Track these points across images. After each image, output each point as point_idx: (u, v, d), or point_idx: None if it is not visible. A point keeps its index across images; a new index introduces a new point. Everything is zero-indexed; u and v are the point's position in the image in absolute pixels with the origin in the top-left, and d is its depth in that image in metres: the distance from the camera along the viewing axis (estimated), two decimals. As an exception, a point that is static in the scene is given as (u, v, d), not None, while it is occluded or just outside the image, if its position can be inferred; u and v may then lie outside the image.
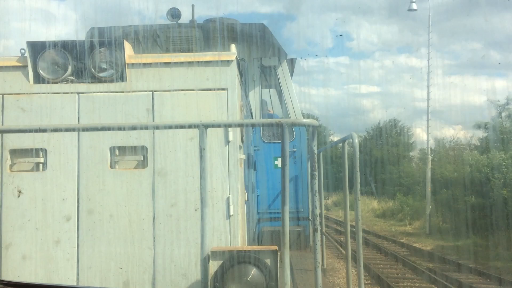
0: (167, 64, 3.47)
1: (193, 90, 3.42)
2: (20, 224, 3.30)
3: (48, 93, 3.42)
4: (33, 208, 3.31)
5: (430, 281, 11.03)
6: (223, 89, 3.44)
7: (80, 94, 3.42)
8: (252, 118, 5.87)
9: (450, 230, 17.63)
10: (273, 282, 2.84)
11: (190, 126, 2.97)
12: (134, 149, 3.38)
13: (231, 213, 3.34)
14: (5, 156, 3.37)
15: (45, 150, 3.36)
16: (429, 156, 21.50)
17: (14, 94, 3.43)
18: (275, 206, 6.52)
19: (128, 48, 3.54)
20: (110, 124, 3.10)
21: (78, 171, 3.35)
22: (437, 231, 18.47)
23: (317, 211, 3.10)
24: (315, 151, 3.06)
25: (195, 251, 3.18)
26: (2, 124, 3.40)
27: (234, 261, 2.86)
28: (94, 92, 3.43)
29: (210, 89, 3.44)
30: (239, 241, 3.39)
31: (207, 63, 3.46)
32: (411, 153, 41.00)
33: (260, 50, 7.13)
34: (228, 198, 3.33)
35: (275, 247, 2.92)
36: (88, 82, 3.45)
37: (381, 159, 36.89)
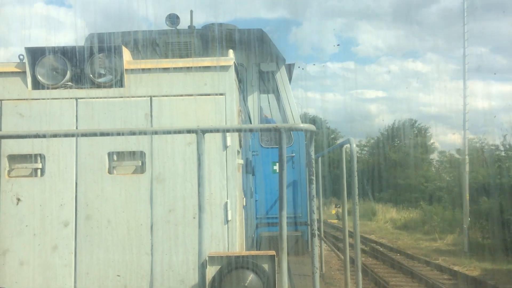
0: (165, 69, 3.48)
1: (191, 95, 3.44)
2: (18, 230, 3.29)
3: (47, 99, 3.42)
4: (31, 214, 3.30)
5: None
6: (221, 94, 3.45)
7: (78, 100, 3.43)
8: (251, 123, 5.87)
9: (493, 247, 14.37)
10: (271, 288, 2.83)
11: (188, 131, 2.97)
12: (132, 155, 3.39)
13: (229, 218, 3.33)
14: (3, 161, 3.37)
15: (43, 155, 3.36)
16: (466, 157, 16.43)
17: (13, 99, 3.44)
18: (274, 211, 6.50)
19: (126, 54, 3.55)
20: (109, 130, 3.11)
21: (76, 177, 3.35)
22: (477, 249, 15.00)
23: (315, 216, 3.10)
24: (313, 156, 3.06)
25: (193, 257, 3.17)
26: (1, 130, 3.40)
27: (232, 266, 2.85)
28: (93, 98, 3.44)
29: (208, 94, 3.45)
30: (237, 247, 3.39)
31: (206, 68, 3.48)
32: (430, 156, 37.25)
33: (258, 56, 7.15)
34: (226, 203, 3.33)
35: (273, 252, 2.92)
36: (87, 88, 3.45)
37: (398, 162, 33.83)
